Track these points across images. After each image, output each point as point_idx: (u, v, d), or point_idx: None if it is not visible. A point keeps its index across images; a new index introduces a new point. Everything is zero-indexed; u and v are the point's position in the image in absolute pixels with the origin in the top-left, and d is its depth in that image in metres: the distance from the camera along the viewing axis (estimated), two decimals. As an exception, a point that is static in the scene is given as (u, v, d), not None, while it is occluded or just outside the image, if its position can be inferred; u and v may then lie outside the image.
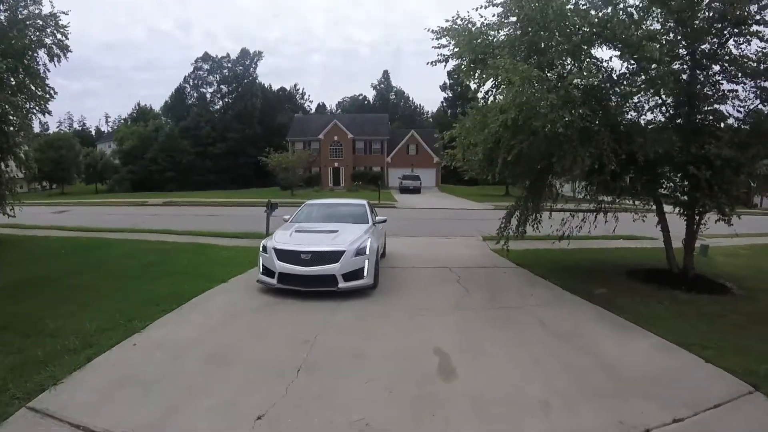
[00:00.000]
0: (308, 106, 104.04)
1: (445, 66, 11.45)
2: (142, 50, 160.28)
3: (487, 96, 11.15)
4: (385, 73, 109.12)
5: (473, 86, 10.95)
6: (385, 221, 12.99)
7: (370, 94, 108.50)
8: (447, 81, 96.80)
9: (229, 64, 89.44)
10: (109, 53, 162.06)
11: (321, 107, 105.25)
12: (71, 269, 12.09)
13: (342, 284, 9.45)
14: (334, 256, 9.50)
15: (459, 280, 11.13)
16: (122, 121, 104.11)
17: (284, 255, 9.62)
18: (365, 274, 9.72)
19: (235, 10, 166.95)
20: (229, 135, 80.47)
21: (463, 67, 11.18)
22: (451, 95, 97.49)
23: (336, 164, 62.41)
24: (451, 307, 9.08)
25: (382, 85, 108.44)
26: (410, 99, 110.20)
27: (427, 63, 11.64)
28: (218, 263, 12.84)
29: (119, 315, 7.97)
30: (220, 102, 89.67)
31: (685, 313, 8.56)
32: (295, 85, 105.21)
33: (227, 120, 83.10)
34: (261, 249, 10.19)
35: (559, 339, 7.37)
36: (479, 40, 10.69)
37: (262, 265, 9.99)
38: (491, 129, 9.81)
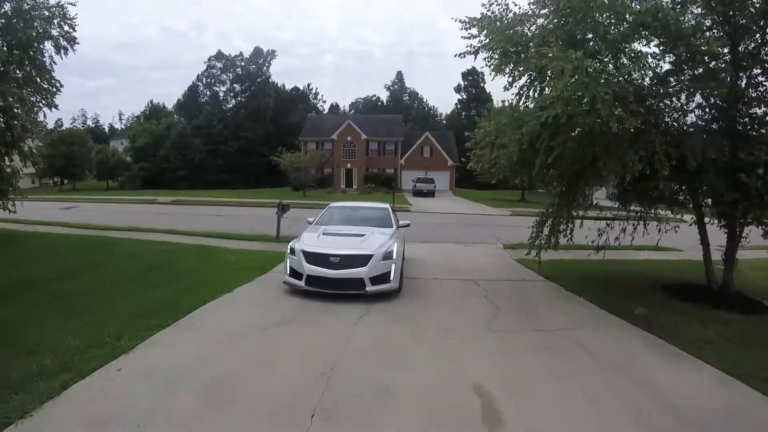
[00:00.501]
0: (321, 106, 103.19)
1: (475, 58, 10.38)
2: (157, 50, 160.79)
3: (521, 92, 10.11)
4: (399, 74, 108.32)
5: (506, 81, 9.90)
6: (408, 225, 12.96)
7: (384, 95, 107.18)
8: (462, 83, 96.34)
9: (243, 63, 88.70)
10: (123, 52, 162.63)
11: (334, 108, 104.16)
12: (68, 271, 11.28)
13: (369, 287, 9.37)
14: (362, 260, 9.44)
15: (486, 296, 10.14)
16: (135, 118, 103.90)
17: (313, 257, 9.52)
18: (391, 278, 9.66)
19: (249, 10, 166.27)
20: (242, 134, 79.72)
21: (494, 60, 10.19)
22: (465, 97, 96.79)
23: (349, 165, 61.25)
24: (483, 328, 8.06)
25: (396, 86, 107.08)
26: (424, 100, 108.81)
27: (455, 55, 10.66)
28: (224, 269, 11.89)
29: (107, 329, 6.99)
30: (233, 101, 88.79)
31: (732, 338, 7.77)
32: (308, 85, 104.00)
33: (240, 119, 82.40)
34: (288, 251, 10.04)
35: (608, 369, 6.44)
36: (512, 32, 9.72)
37: (290, 267, 9.85)
38: (529, 127, 8.79)
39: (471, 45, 10.26)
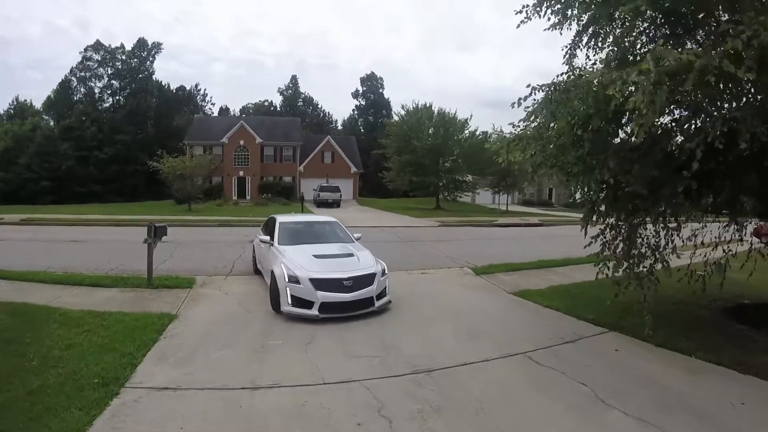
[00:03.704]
0: (210, 109, 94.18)
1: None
2: (36, 48, 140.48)
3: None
4: (294, 78, 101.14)
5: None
6: (360, 238, 12.23)
7: (277, 100, 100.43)
8: (360, 88, 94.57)
9: (123, 56, 79.46)
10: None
11: (224, 111, 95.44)
12: None
13: (377, 303, 9.51)
14: (370, 279, 9.51)
15: (599, 396, 6.02)
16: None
17: (323, 284, 9.18)
18: (387, 292, 9.97)
19: (137, 12, 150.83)
20: (118, 137, 70.83)
21: None
22: (363, 103, 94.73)
23: (241, 173, 55.08)
24: None
25: (290, 91, 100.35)
26: (319, 106, 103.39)
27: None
28: (16, 395, 5.66)
29: None
30: (110, 99, 79.42)
31: None
32: (196, 86, 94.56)
33: (117, 120, 73.44)
34: (288, 280, 9.29)
35: None
36: None
37: (291, 296, 9.20)
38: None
39: None
